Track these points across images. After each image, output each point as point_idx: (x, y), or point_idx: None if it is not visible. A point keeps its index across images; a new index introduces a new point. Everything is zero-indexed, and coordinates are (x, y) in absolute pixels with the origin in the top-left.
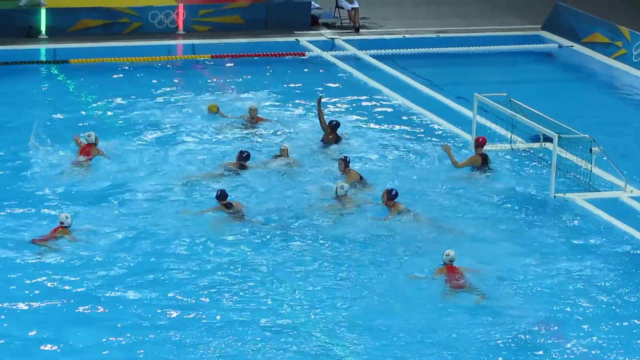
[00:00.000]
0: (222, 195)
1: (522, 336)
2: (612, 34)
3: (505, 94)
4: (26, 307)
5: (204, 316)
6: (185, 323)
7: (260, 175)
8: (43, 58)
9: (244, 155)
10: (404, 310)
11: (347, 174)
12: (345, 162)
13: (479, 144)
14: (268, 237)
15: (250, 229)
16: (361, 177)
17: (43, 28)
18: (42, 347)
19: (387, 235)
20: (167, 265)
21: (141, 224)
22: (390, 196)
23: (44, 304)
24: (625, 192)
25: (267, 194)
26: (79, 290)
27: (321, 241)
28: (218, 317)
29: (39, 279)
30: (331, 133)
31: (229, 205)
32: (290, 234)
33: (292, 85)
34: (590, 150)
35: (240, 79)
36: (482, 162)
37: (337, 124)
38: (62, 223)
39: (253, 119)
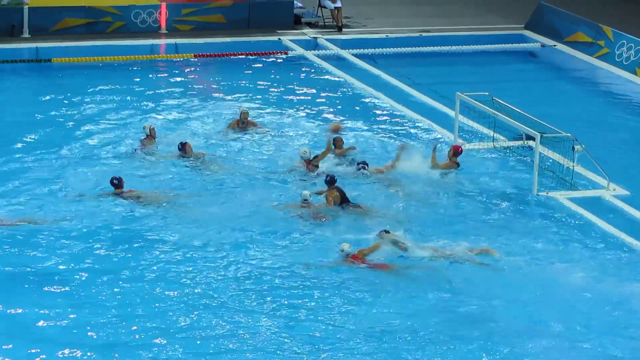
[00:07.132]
0: (119, 184)
1: (501, 333)
2: (595, 33)
3: (487, 93)
4: None
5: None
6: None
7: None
8: (26, 57)
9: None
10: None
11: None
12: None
13: (458, 153)
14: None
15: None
16: (343, 200)
17: (26, 27)
18: None
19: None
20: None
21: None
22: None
23: None
24: (608, 191)
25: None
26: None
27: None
28: None
29: None
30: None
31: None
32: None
33: (274, 84)
34: (573, 148)
35: (223, 79)
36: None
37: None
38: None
39: (244, 123)
